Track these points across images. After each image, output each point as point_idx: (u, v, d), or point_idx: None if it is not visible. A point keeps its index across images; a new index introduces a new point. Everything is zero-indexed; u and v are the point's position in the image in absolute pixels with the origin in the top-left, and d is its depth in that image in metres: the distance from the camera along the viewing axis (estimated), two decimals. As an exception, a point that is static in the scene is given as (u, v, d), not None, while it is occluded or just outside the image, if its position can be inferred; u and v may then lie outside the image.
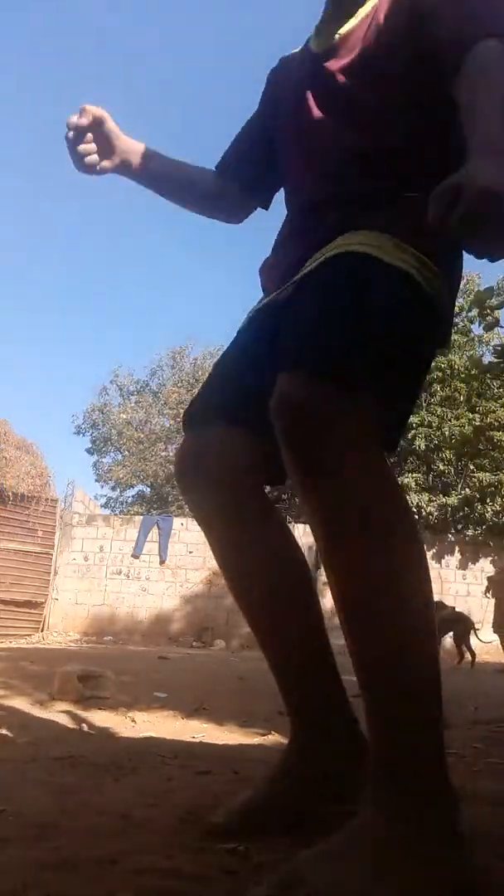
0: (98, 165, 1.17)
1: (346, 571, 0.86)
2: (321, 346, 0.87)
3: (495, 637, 8.41)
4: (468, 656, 8.66)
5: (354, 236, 0.94)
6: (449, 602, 11.45)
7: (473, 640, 8.66)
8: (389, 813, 0.77)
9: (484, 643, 9.05)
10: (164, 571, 11.90)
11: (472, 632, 8.84)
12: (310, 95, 1.09)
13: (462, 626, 8.84)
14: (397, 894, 0.69)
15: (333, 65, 1.07)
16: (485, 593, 8.62)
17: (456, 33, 0.91)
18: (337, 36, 1.08)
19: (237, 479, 1.05)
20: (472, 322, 15.14)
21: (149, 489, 22.76)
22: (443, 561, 12.37)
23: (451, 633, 8.99)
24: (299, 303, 0.96)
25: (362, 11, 1.07)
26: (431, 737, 0.82)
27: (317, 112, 1.08)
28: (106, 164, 1.18)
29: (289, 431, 0.84)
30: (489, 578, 8.54)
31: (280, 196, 1.27)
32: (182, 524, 12.45)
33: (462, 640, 8.85)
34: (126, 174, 1.23)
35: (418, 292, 0.92)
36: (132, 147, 1.21)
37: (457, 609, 9.88)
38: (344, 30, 1.08)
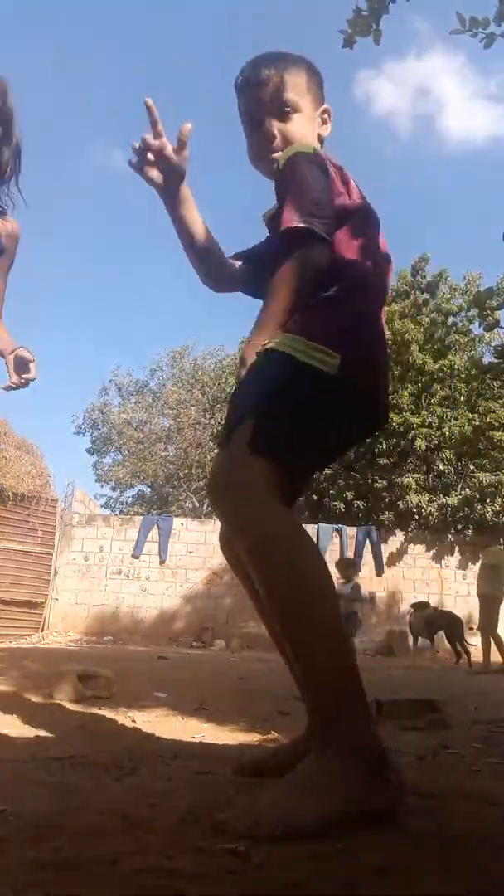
0: (152, 170, 1.44)
1: (262, 579, 1.17)
2: (228, 426, 1.23)
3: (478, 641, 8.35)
4: (465, 656, 8.62)
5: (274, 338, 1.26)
6: (449, 602, 11.47)
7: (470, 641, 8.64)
8: (318, 756, 1.04)
9: (471, 646, 9.02)
10: (164, 571, 11.90)
11: (463, 631, 8.80)
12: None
13: (454, 625, 8.80)
14: (312, 814, 0.95)
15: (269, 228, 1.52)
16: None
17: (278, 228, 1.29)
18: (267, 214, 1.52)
19: None
20: (471, 322, 15.15)
21: (149, 489, 22.76)
22: (443, 561, 12.35)
23: (442, 634, 8.97)
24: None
25: None
26: (349, 700, 1.07)
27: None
28: (155, 174, 1.45)
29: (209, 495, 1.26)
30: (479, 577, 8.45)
31: None
32: (182, 524, 12.45)
33: (456, 640, 8.81)
34: (166, 197, 1.49)
35: (302, 367, 1.21)
36: (187, 193, 1.50)
37: (455, 610, 9.88)
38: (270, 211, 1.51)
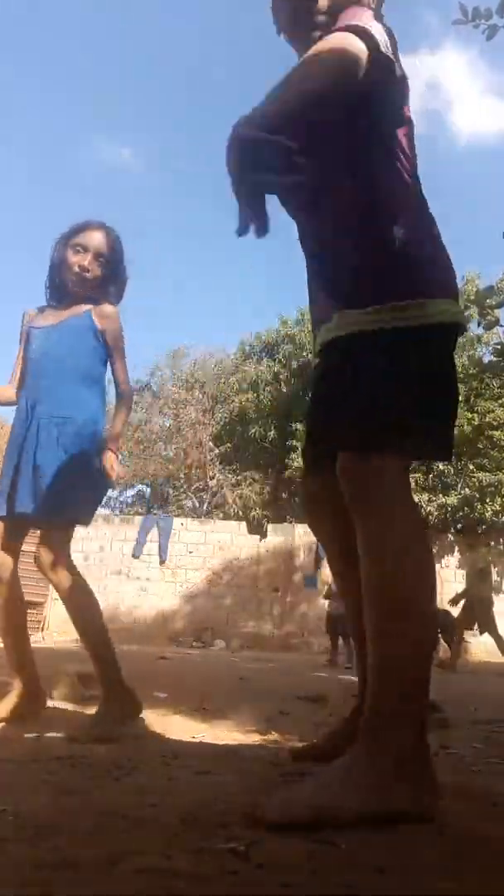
0: None
1: (379, 574, 1.16)
2: (349, 432, 1.21)
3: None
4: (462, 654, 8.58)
5: (340, 319, 1.26)
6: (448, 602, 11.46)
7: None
8: (363, 753, 1.05)
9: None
10: (164, 571, 11.90)
11: (453, 630, 8.74)
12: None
13: (440, 623, 8.75)
14: (347, 810, 0.97)
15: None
16: (452, 602, 8.33)
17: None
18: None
19: (332, 504, 1.38)
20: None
21: (149, 489, 22.74)
22: (442, 561, 12.34)
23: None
24: (326, 393, 1.35)
25: None
26: (412, 704, 1.07)
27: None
28: None
29: (346, 492, 1.21)
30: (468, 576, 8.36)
31: None
32: (182, 524, 12.45)
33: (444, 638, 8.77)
34: None
35: (400, 332, 1.18)
36: None
37: (454, 611, 9.87)
38: None
